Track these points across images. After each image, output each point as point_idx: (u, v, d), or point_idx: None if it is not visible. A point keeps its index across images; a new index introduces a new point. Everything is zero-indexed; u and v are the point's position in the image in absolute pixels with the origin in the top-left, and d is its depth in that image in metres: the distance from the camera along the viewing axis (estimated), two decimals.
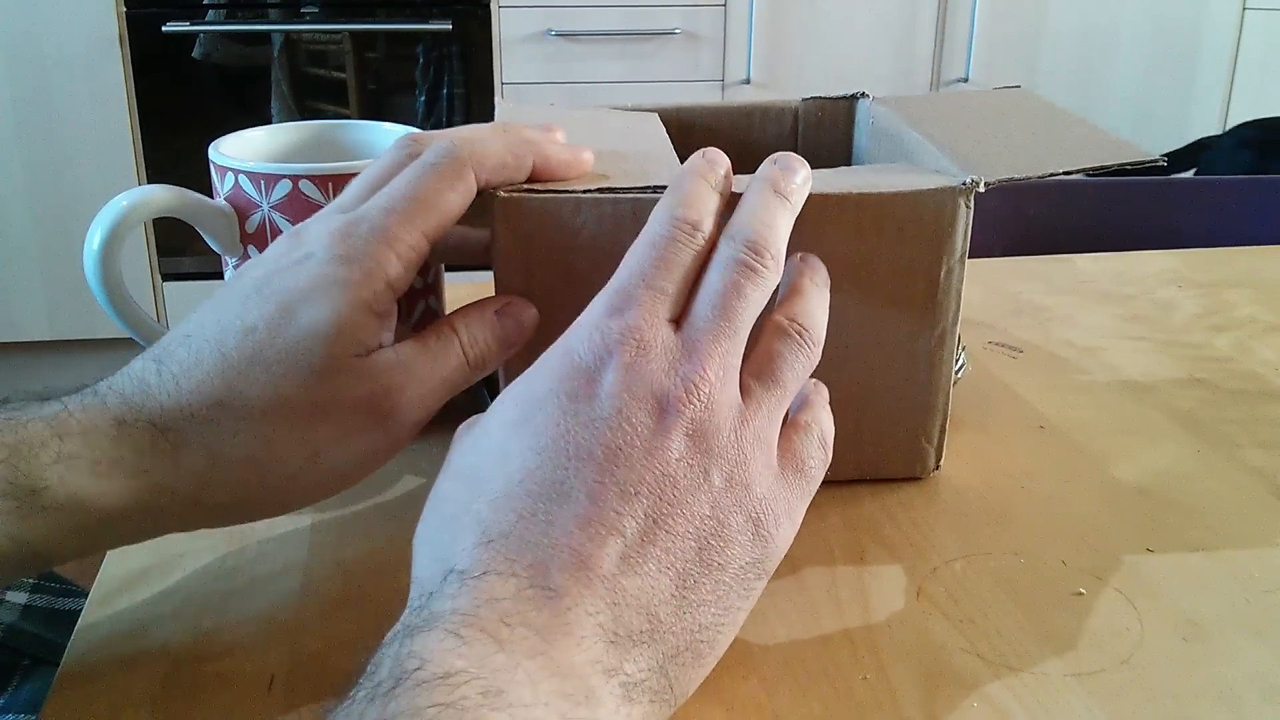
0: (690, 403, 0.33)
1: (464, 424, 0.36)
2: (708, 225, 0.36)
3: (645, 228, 0.37)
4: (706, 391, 0.33)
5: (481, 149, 0.41)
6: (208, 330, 0.38)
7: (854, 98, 0.61)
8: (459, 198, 0.40)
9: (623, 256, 0.44)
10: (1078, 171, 0.46)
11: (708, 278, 0.36)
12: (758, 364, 0.36)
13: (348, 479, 0.40)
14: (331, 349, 0.37)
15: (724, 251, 0.36)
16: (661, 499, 0.32)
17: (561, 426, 0.32)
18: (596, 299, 0.35)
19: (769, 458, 0.35)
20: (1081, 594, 0.43)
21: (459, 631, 0.28)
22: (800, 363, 0.36)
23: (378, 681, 0.27)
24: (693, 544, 0.32)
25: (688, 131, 0.60)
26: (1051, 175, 0.45)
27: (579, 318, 0.35)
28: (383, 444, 0.39)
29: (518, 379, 0.35)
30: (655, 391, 0.33)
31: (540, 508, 0.31)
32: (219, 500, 0.38)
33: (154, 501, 0.37)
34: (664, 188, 0.41)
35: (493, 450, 0.33)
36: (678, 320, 0.35)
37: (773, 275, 0.36)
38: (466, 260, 0.49)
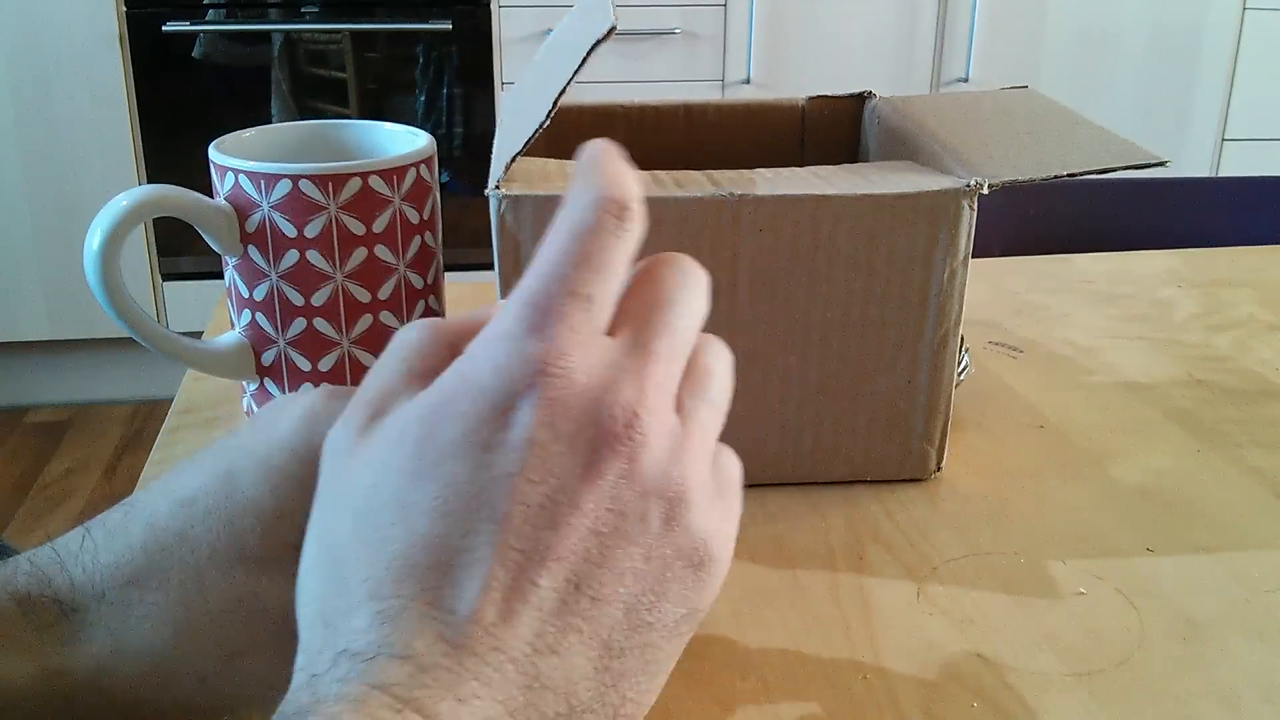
0: (628, 440, 0.27)
1: (338, 431, 0.30)
2: (638, 211, 0.29)
3: (562, 213, 0.29)
4: (647, 422, 0.28)
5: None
6: (153, 492, 0.34)
7: (860, 97, 0.61)
8: None
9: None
10: (1082, 174, 0.46)
11: (646, 286, 0.30)
12: (694, 378, 0.30)
13: (273, 688, 0.33)
14: (269, 537, 0.32)
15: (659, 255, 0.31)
16: (587, 560, 0.27)
17: (474, 486, 0.26)
18: (507, 305, 0.28)
19: (707, 484, 0.30)
20: (1082, 594, 0.43)
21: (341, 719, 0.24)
22: (729, 374, 0.32)
23: None
24: (620, 607, 0.27)
25: (695, 129, 0.60)
26: (1056, 177, 0.45)
27: (486, 330, 0.28)
28: None
29: (412, 404, 0.28)
30: (585, 430, 0.27)
31: (446, 580, 0.26)
32: (123, 696, 0.33)
33: (51, 687, 0.32)
34: (672, 198, 0.41)
35: (391, 498, 0.27)
36: (610, 332, 0.29)
37: (706, 282, 0.31)
38: None
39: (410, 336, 0.31)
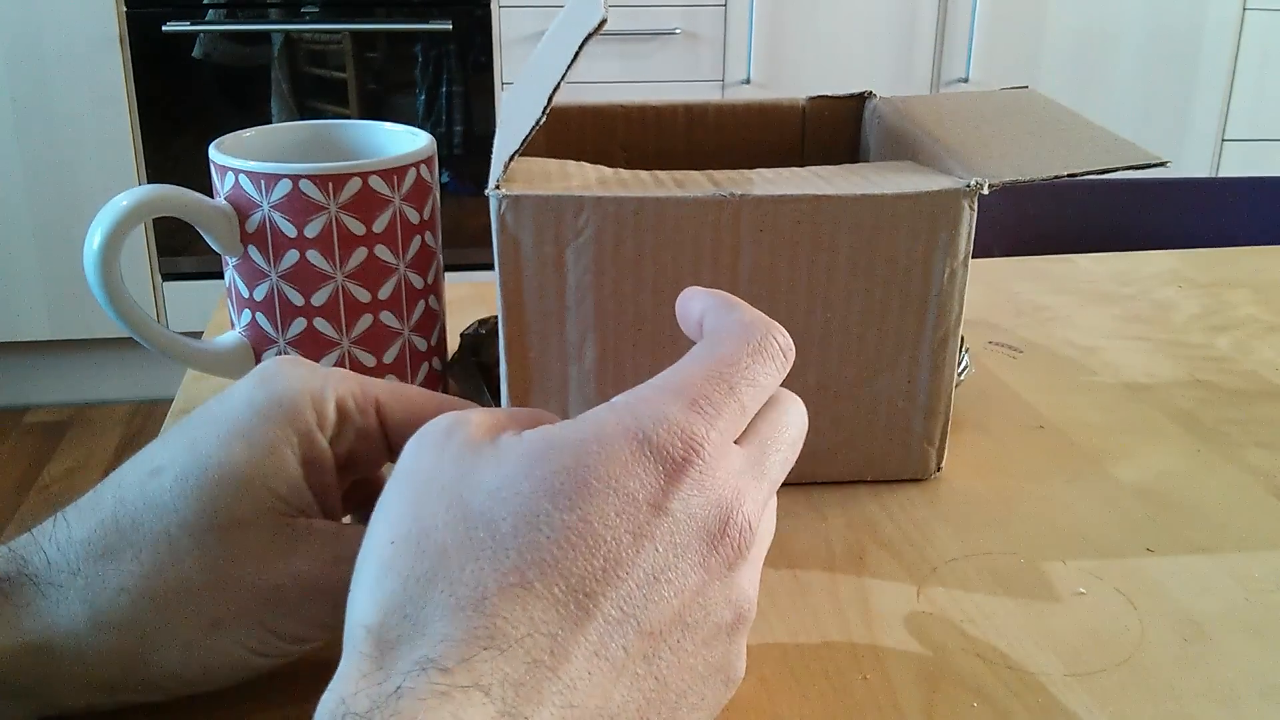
0: (739, 550, 0.30)
1: (450, 423, 0.31)
2: (792, 358, 0.33)
3: (736, 327, 0.32)
4: (754, 539, 0.30)
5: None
6: (122, 469, 0.34)
7: (861, 97, 0.61)
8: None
9: (625, 257, 0.44)
10: (1082, 174, 0.46)
11: (781, 417, 0.33)
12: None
13: (249, 666, 0.34)
14: (240, 502, 0.33)
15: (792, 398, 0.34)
16: (666, 643, 0.29)
17: (606, 529, 0.28)
18: (668, 383, 0.30)
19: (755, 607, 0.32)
20: (1081, 594, 0.43)
21: None
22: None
23: None
24: (673, 696, 0.30)
25: (695, 129, 0.60)
26: (1056, 178, 0.45)
27: (642, 391, 0.30)
28: (306, 633, 0.34)
29: (563, 428, 0.30)
30: (712, 526, 0.29)
31: (549, 609, 0.27)
32: (104, 672, 0.33)
33: (33, 660, 0.32)
34: (672, 198, 0.41)
35: (518, 509, 0.28)
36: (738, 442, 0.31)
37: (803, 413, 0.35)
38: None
39: None
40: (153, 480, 0.33)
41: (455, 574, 0.27)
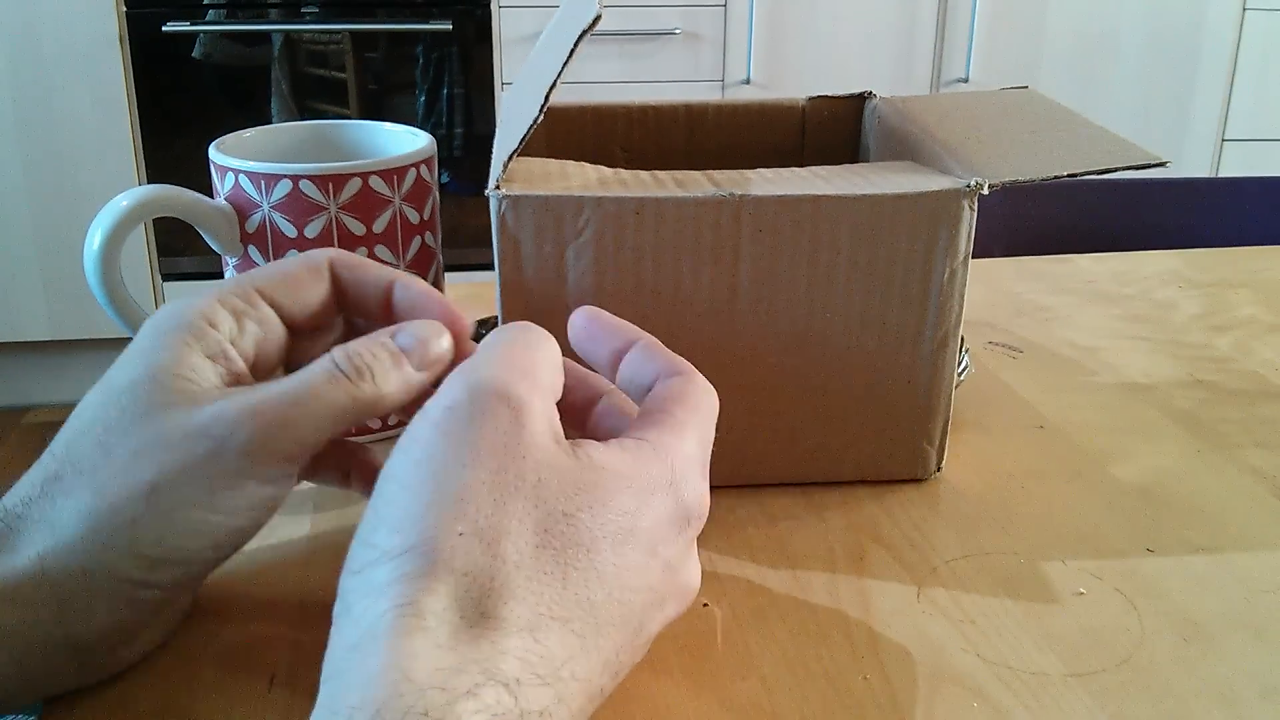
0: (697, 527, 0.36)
1: (518, 405, 0.31)
2: None
3: (700, 392, 0.36)
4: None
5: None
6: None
7: (861, 97, 0.61)
8: (307, 274, 0.39)
9: (625, 257, 0.44)
10: (1082, 174, 0.46)
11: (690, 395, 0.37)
12: None
13: (221, 549, 0.36)
14: (149, 387, 0.34)
15: None
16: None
17: (640, 592, 0.32)
18: (693, 450, 0.34)
19: None
20: (1081, 594, 0.43)
21: None
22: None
23: None
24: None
25: (695, 129, 0.60)
26: (1056, 178, 0.45)
27: (686, 452, 0.34)
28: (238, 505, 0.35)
29: (629, 460, 0.33)
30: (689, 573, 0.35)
31: (579, 669, 0.30)
32: (72, 587, 0.34)
33: (10, 590, 0.33)
34: (672, 198, 0.41)
35: (590, 543, 0.31)
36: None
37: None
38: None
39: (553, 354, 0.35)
40: (75, 420, 0.35)
41: (520, 590, 0.29)
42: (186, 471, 0.34)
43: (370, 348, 0.36)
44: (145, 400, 0.34)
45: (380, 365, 0.36)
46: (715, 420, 0.36)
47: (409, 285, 0.39)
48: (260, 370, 0.38)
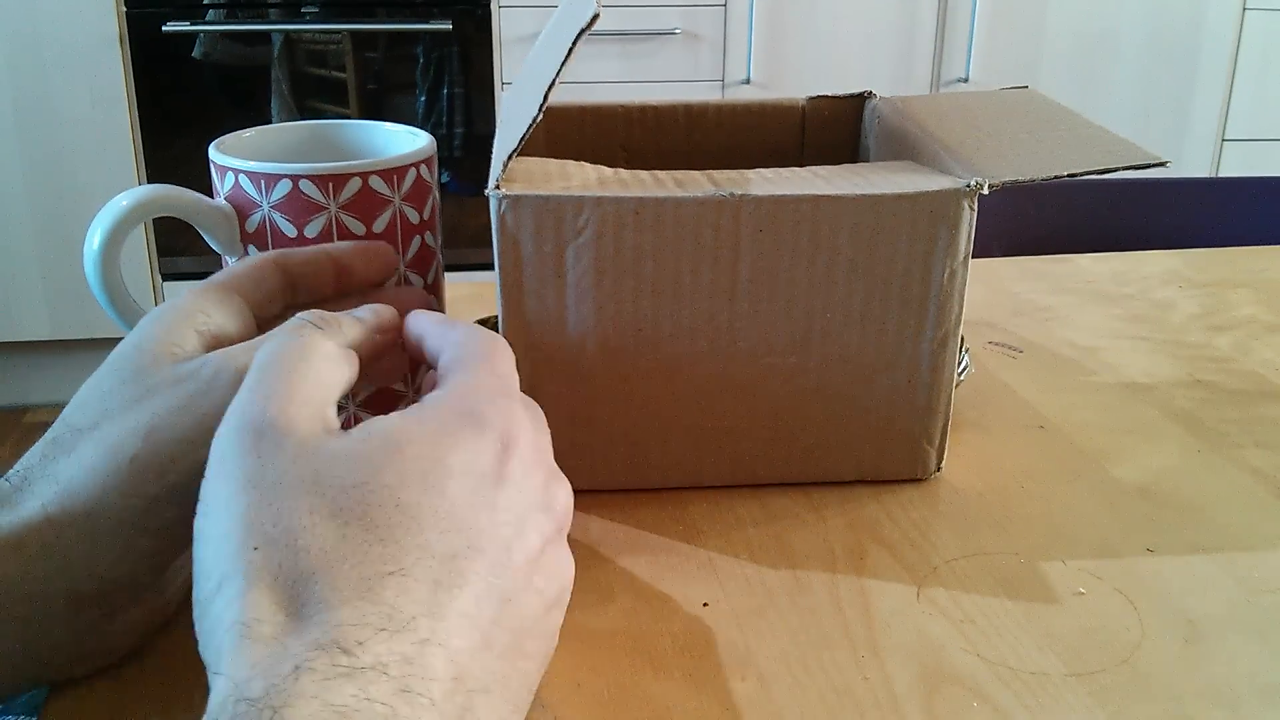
0: (566, 517, 0.36)
1: (260, 422, 0.33)
2: None
3: (478, 337, 0.38)
4: (570, 500, 0.37)
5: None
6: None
7: (861, 97, 0.61)
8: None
9: (625, 257, 0.44)
10: (1082, 174, 0.46)
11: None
12: None
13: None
14: (142, 352, 0.38)
15: None
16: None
17: (475, 509, 0.32)
18: (482, 379, 0.35)
19: None
20: (1081, 594, 0.43)
21: None
22: None
23: None
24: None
25: (695, 129, 0.60)
26: (1056, 178, 0.45)
27: (458, 381, 0.35)
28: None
29: (403, 419, 0.33)
30: (540, 496, 0.34)
31: (435, 607, 0.30)
32: (74, 535, 0.35)
33: (13, 540, 0.35)
34: (672, 198, 0.41)
35: (389, 500, 0.31)
36: None
37: None
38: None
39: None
40: (74, 398, 0.38)
41: (335, 568, 0.29)
42: (180, 410, 0.36)
43: (334, 313, 0.39)
44: (137, 362, 0.38)
45: (344, 319, 0.39)
46: (509, 358, 0.37)
47: (347, 253, 0.46)
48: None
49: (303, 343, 0.35)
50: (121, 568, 0.36)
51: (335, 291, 0.46)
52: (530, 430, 0.35)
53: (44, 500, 0.35)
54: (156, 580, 0.38)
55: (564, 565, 0.35)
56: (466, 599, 0.30)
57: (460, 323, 0.39)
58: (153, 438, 0.36)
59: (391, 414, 0.34)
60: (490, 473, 0.33)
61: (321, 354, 0.35)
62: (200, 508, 0.32)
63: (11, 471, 0.37)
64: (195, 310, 0.40)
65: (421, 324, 0.40)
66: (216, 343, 0.40)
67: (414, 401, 0.36)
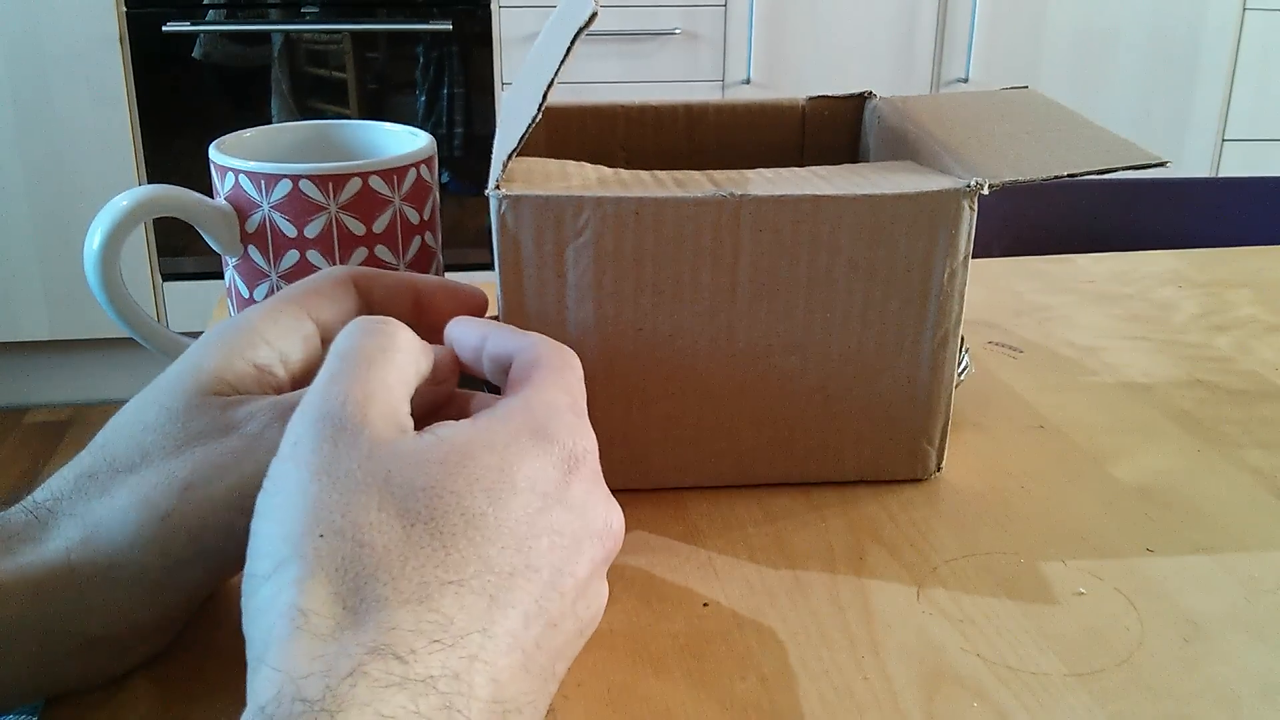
0: (615, 549, 0.35)
1: (342, 412, 0.32)
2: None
3: (549, 349, 0.37)
4: (621, 536, 0.36)
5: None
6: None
7: (861, 97, 0.61)
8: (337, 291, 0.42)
9: (625, 257, 0.44)
10: (1082, 174, 0.46)
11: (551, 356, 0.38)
12: None
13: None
14: (189, 386, 0.37)
15: None
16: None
17: (535, 528, 0.32)
18: (555, 396, 0.35)
19: None
20: (1081, 594, 0.43)
21: None
22: None
23: None
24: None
25: (695, 129, 0.60)
26: (1056, 178, 0.45)
27: (547, 399, 0.34)
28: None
29: (475, 426, 0.33)
30: (599, 527, 0.34)
31: (488, 624, 0.30)
32: (97, 577, 0.34)
33: (23, 577, 0.34)
34: (672, 198, 0.41)
35: (456, 507, 0.31)
36: None
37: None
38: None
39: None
40: (117, 418, 0.37)
41: (397, 570, 0.29)
42: (221, 469, 0.35)
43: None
44: (185, 398, 0.36)
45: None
46: (579, 374, 0.37)
47: (431, 286, 0.44)
48: (301, 384, 0.40)
49: (383, 333, 0.35)
50: (138, 617, 0.36)
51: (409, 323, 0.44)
52: (594, 452, 0.35)
53: (69, 543, 0.34)
54: (172, 619, 0.38)
55: (603, 595, 0.35)
56: (516, 619, 0.30)
57: (525, 335, 0.38)
58: (188, 495, 0.35)
59: (463, 420, 0.33)
60: (553, 492, 0.33)
61: (399, 346, 0.35)
62: (267, 484, 0.32)
63: (40, 494, 0.36)
64: (257, 338, 0.39)
65: (485, 328, 0.38)
66: (273, 377, 0.39)
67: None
